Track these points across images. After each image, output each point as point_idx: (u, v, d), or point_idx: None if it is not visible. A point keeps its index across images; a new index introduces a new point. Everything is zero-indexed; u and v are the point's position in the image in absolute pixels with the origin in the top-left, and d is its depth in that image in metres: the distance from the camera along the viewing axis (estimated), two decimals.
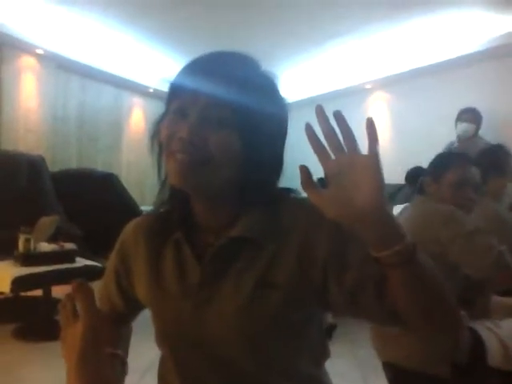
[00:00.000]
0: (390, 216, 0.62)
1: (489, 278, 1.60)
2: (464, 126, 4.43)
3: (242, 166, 0.77)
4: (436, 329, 0.77)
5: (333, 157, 0.63)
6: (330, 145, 0.62)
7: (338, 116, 0.62)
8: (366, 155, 0.61)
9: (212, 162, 0.74)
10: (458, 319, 0.77)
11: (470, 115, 4.45)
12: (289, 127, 0.86)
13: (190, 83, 0.77)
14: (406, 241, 0.63)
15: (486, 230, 1.59)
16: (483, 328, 1.62)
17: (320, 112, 0.63)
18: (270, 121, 0.80)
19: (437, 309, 0.71)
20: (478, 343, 1.57)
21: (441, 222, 1.59)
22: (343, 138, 0.61)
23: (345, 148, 0.62)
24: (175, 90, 0.80)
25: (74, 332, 0.68)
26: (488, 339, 1.57)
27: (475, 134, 4.47)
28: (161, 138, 0.79)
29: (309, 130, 0.63)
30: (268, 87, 0.82)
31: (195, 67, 0.79)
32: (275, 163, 0.84)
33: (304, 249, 0.77)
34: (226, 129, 0.74)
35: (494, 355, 1.54)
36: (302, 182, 0.65)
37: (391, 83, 6.14)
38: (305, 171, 0.64)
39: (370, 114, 6.38)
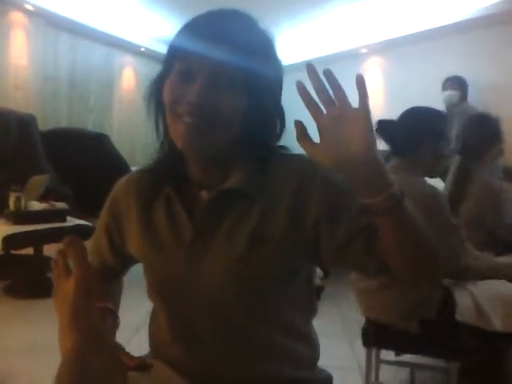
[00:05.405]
0: (380, 163, 0.66)
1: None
2: (447, 94, 4.53)
3: (245, 126, 0.80)
4: (420, 276, 0.81)
5: (324, 111, 0.66)
6: (321, 99, 0.66)
7: (328, 74, 0.65)
8: (356, 108, 0.65)
9: (220, 124, 0.76)
10: (439, 266, 0.81)
11: (452, 83, 4.54)
12: (283, 89, 0.89)
13: (195, 45, 0.76)
14: (394, 187, 0.67)
15: None
16: (458, 286, 1.68)
17: (311, 69, 0.65)
18: (271, 80, 0.83)
19: (422, 255, 0.76)
20: (447, 299, 1.62)
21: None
22: (334, 92, 0.65)
23: (336, 102, 0.65)
24: (177, 51, 0.79)
25: (67, 286, 0.69)
26: (459, 295, 1.63)
27: (462, 101, 4.52)
28: (164, 99, 0.79)
29: (300, 86, 0.66)
30: (269, 48, 0.84)
31: (198, 28, 0.78)
32: (278, 121, 0.87)
33: (297, 202, 0.80)
34: (232, 91, 0.76)
35: (463, 311, 1.59)
36: (297, 136, 0.69)
37: (387, 48, 6.05)
38: (299, 125, 0.68)
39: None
